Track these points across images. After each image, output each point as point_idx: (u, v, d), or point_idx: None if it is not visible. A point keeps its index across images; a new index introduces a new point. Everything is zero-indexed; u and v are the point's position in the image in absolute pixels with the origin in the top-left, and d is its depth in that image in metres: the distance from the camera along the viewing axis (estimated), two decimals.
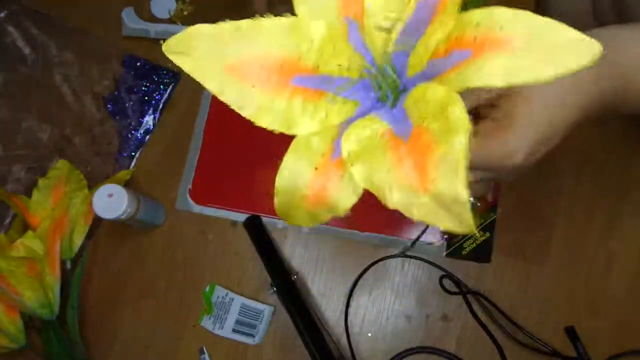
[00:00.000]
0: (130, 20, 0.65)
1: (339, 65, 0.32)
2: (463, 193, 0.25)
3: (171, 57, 0.29)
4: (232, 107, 0.30)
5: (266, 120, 0.30)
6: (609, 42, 0.32)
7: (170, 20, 0.66)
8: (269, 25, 0.30)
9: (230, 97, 0.29)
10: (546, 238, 0.58)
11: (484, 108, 0.33)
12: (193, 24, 0.67)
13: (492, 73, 0.26)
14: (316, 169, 0.30)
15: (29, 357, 0.58)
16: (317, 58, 0.31)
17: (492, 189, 0.59)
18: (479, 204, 0.59)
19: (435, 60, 0.29)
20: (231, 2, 0.67)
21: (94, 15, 0.67)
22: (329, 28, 0.31)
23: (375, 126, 0.30)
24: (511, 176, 0.35)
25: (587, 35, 0.24)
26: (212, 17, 0.75)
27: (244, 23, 0.30)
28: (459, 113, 0.26)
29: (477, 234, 0.26)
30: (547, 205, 0.59)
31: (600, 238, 0.58)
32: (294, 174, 0.31)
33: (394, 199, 0.27)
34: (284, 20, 0.30)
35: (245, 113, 0.30)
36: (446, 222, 0.26)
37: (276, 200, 0.32)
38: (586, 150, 0.60)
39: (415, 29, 0.30)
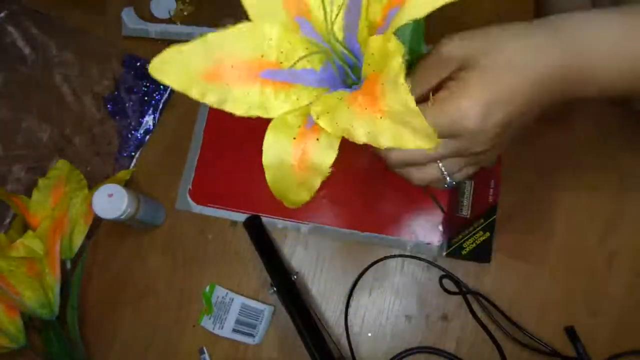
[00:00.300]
0: (130, 20, 0.65)
1: (300, 58, 0.36)
2: (409, 100, 0.29)
3: (156, 76, 0.33)
4: (214, 106, 0.34)
5: (244, 109, 0.35)
6: (574, 24, 0.35)
7: (170, 20, 0.66)
8: (231, 33, 0.35)
9: (211, 98, 0.34)
10: (546, 238, 0.58)
11: (445, 82, 0.36)
12: (193, 24, 0.68)
13: (415, 9, 0.31)
14: (294, 138, 0.34)
15: (29, 357, 0.58)
16: (278, 54, 0.36)
17: (493, 189, 0.59)
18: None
19: (378, 30, 0.34)
20: (231, 2, 0.67)
21: (94, 15, 0.67)
22: (282, 27, 0.36)
23: (338, 95, 0.34)
24: (479, 144, 0.36)
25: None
26: (212, 17, 0.75)
27: (210, 35, 0.34)
28: (394, 42, 0.30)
29: (435, 144, 0.29)
30: (547, 205, 0.59)
31: (600, 238, 0.58)
32: (277, 149, 0.35)
33: (359, 134, 0.31)
34: (243, 26, 0.35)
35: (226, 108, 0.35)
36: (408, 138, 0.29)
37: (267, 177, 0.35)
38: (586, 150, 0.60)
39: (354, 9, 0.35)
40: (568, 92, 0.36)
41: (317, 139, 0.34)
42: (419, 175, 0.39)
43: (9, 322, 0.55)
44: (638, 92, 0.37)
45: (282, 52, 0.36)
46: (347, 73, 0.37)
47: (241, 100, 0.35)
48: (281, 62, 0.36)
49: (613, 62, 0.35)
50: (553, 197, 0.59)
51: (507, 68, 0.34)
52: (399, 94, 0.29)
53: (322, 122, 0.32)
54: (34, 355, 0.58)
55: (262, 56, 0.35)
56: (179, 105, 0.65)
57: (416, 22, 0.36)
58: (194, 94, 0.34)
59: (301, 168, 0.34)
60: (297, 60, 0.35)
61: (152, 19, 0.66)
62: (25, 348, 0.56)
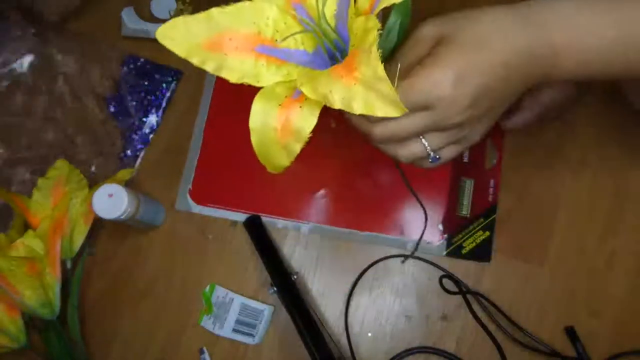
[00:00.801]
0: (130, 20, 0.65)
1: (294, 39, 0.40)
2: (379, 68, 0.32)
3: (161, 41, 0.37)
4: (211, 72, 0.38)
5: (237, 77, 0.38)
6: (546, 7, 0.37)
7: None
8: (231, 9, 0.39)
9: (210, 65, 0.38)
10: (546, 238, 0.58)
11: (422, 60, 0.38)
12: None
13: None
14: (280, 105, 0.37)
15: (30, 357, 0.58)
16: (274, 32, 0.39)
17: (492, 188, 0.59)
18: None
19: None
20: (231, 2, 0.67)
21: (94, 16, 0.67)
22: (279, 8, 0.39)
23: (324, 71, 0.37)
24: (454, 115, 0.38)
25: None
26: None
27: (214, 10, 0.38)
28: (372, 20, 0.34)
29: (401, 111, 0.32)
30: (547, 205, 0.59)
31: (600, 238, 0.58)
32: (264, 114, 0.38)
33: (335, 99, 0.33)
34: (244, 4, 0.39)
35: (222, 74, 0.38)
36: (378, 105, 0.32)
37: (253, 140, 0.38)
38: (585, 150, 0.60)
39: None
40: (537, 73, 0.38)
41: (300, 107, 0.37)
42: (403, 152, 0.41)
43: (9, 322, 0.55)
44: (608, 74, 0.39)
45: (277, 31, 0.39)
46: (336, 57, 0.40)
47: (236, 68, 0.38)
48: (276, 40, 0.39)
49: (578, 44, 0.37)
50: (553, 197, 0.59)
51: (479, 43, 0.36)
52: (370, 62, 0.32)
53: (304, 89, 0.35)
54: (34, 355, 0.58)
55: (259, 32, 0.39)
56: (178, 105, 0.65)
57: (404, 20, 0.39)
58: (195, 60, 0.38)
59: (283, 132, 0.37)
60: (291, 35, 0.39)
61: (152, 19, 0.66)
62: (25, 348, 0.56)
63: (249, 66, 0.38)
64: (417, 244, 0.58)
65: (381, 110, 0.32)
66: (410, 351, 0.57)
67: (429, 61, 0.36)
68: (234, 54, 0.38)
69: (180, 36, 0.38)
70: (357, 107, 0.33)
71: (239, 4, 0.39)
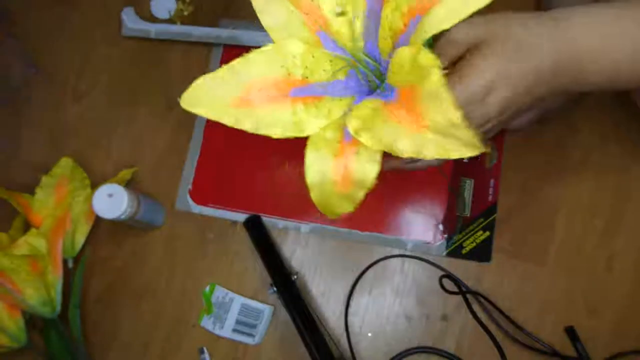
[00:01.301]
0: (130, 20, 0.65)
1: (324, 71, 0.37)
2: (455, 115, 0.29)
3: (189, 109, 0.35)
4: (250, 131, 0.35)
5: (279, 132, 0.35)
6: (572, 17, 0.37)
7: (170, 20, 0.66)
8: (254, 56, 0.36)
9: (246, 125, 0.35)
10: (546, 238, 0.58)
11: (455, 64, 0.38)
12: (193, 24, 0.68)
13: (439, 21, 0.32)
14: (335, 155, 0.34)
15: (30, 356, 0.58)
16: (304, 70, 0.37)
17: (492, 188, 0.59)
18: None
19: (401, 37, 0.34)
20: (231, 2, 0.67)
21: (94, 15, 0.67)
22: (304, 42, 0.37)
23: (370, 104, 0.34)
24: (481, 122, 0.38)
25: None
26: (212, 17, 0.75)
27: (235, 62, 0.35)
28: (426, 55, 0.31)
29: (488, 150, 0.32)
30: (547, 205, 0.59)
31: (600, 238, 0.58)
32: (319, 167, 0.35)
33: (403, 148, 0.31)
34: (267, 49, 0.36)
35: (261, 132, 0.35)
36: (454, 149, 0.30)
37: (312, 196, 0.36)
38: (586, 150, 0.60)
39: (373, 16, 0.36)
40: (565, 82, 0.38)
41: (357, 153, 0.34)
42: (423, 164, 0.42)
43: (10, 321, 0.55)
44: (632, 84, 0.39)
45: (307, 67, 0.37)
46: (370, 78, 0.38)
47: (275, 122, 0.35)
48: (307, 77, 0.37)
49: (604, 55, 0.37)
50: (553, 196, 0.59)
51: (514, 53, 0.36)
52: (442, 109, 0.29)
53: (362, 139, 0.33)
54: (35, 355, 0.58)
55: (288, 74, 0.36)
56: (178, 104, 0.64)
57: None
58: (227, 121, 0.35)
59: (345, 184, 0.35)
60: (334, 73, 0.36)
61: (152, 19, 0.66)
62: (26, 347, 0.56)
63: (288, 115, 0.35)
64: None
65: (457, 153, 0.30)
66: (410, 351, 0.57)
67: (465, 71, 0.36)
68: (268, 106, 0.35)
69: (207, 99, 0.35)
70: (429, 154, 0.30)
71: (261, 50, 0.36)
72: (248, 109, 0.35)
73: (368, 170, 0.34)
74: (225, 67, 0.35)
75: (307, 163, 0.35)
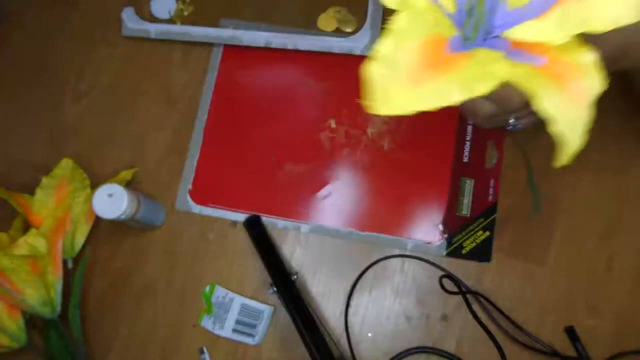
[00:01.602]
0: (130, 20, 0.65)
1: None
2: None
3: (382, 113, 0.29)
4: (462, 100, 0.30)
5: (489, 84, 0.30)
6: None
7: (170, 20, 0.66)
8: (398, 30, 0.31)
9: (453, 96, 0.30)
10: (546, 238, 0.58)
11: None
12: (193, 24, 0.68)
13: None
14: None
15: (30, 356, 0.58)
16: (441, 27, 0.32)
17: (492, 187, 0.59)
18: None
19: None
20: (231, 2, 0.67)
21: (94, 15, 0.67)
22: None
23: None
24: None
25: None
26: (212, 17, 0.75)
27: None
28: (583, 52, 0.31)
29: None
30: (547, 205, 0.59)
31: (600, 238, 0.58)
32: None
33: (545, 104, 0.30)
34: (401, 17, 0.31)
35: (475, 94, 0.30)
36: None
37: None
38: (586, 149, 0.60)
39: None
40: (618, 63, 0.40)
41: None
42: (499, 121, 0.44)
43: (10, 321, 0.55)
44: None
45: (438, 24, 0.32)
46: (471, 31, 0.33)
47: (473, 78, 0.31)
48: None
49: None
50: (553, 196, 0.59)
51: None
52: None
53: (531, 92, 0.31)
54: (35, 355, 0.58)
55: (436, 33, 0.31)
56: (178, 104, 0.65)
57: None
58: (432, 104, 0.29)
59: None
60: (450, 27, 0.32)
61: (152, 19, 0.66)
62: (26, 347, 0.56)
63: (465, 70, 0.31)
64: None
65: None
66: (410, 351, 0.57)
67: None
68: (450, 68, 0.30)
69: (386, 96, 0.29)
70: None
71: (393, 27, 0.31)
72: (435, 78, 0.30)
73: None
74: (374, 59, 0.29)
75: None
